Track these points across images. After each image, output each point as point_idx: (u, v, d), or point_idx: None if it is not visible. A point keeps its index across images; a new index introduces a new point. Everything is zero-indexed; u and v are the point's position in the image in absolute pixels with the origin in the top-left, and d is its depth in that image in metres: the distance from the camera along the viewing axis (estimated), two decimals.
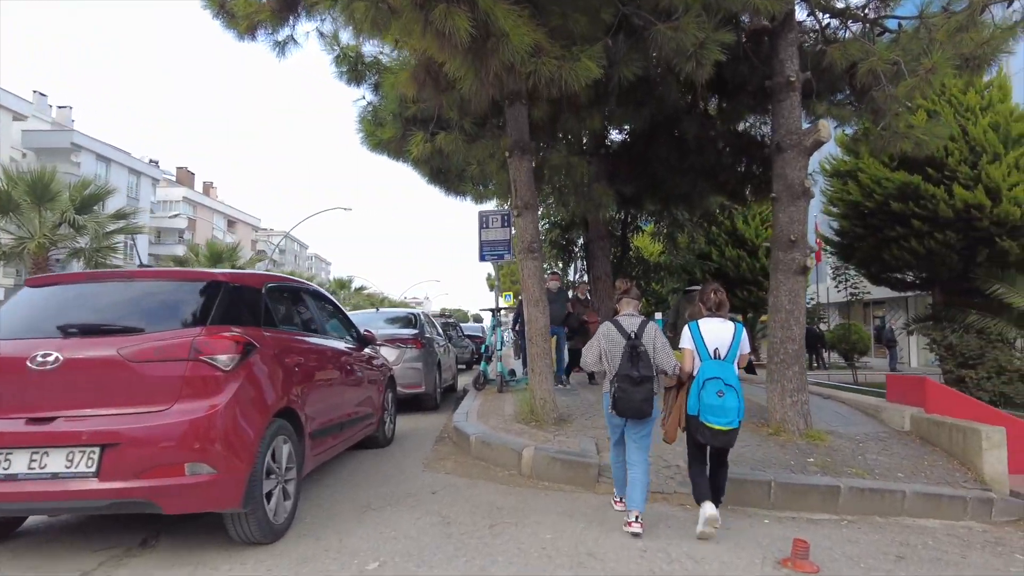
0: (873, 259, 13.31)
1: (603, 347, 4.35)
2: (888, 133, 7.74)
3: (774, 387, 6.71)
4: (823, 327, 25.29)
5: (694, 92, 8.71)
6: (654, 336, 4.31)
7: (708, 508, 4.07)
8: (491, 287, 54.99)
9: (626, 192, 13.00)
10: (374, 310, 10.05)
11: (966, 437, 5.93)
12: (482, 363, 12.22)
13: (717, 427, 4.02)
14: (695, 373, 4.18)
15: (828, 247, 15.72)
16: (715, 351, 4.14)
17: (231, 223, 74.39)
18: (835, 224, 15.29)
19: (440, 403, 9.44)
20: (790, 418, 6.54)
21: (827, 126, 6.71)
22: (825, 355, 24.22)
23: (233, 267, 26.81)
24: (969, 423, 6.03)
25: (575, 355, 10.12)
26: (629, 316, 4.46)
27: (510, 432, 6.12)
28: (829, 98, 8.18)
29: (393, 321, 9.52)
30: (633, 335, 4.26)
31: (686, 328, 4.35)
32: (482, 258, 9.42)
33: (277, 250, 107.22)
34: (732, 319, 4.40)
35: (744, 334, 4.32)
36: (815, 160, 10.81)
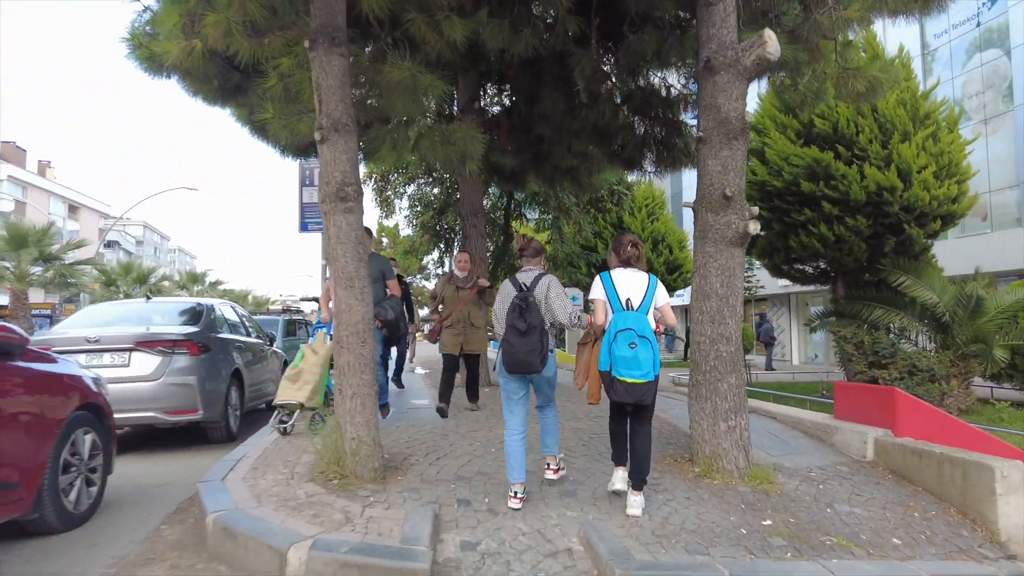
0: (777, 248, 11.96)
1: (497, 308, 4.11)
2: (837, 69, 6.01)
3: (702, 407, 4.68)
4: None
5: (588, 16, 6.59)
6: (548, 286, 4.01)
7: (620, 479, 3.93)
8: None
9: (506, 166, 10.86)
10: (144, 299, 7.07)
11: (967, 475, 4.14)
12: None
13: (630, 380, 3.67)
14: (607, 326, 3.86)
15: None
16: (627, 301, 3.85)
17: (73, 209, 65.53)
18: None
19: (243, 430, 6.71)
20: (726, 451, 4.52)
21: (773, 37, 4.72)
22: None
23: (42, 253, 22.04)
24: (971, 455, 4.24)
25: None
26: (527, 271, 4.16)
27: (287, 504, 3.57)
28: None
29: (169, 315, 6.63)
30: (525, 287, 3.99)
31: (596, 279, 4.05)
32: (303, 228, 6.83)
33: (134, 241, 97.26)
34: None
35: (660, 284, 4.00)
36: None
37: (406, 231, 17.55)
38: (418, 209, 16.48)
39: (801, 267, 12.88)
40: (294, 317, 15.33)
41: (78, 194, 64.95)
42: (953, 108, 11.42)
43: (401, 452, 4.83)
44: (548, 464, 4.26)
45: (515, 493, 3.83)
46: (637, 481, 3.80)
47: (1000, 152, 16.62)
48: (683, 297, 29.74)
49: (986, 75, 17.10)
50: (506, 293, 4.06)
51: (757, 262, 15.54)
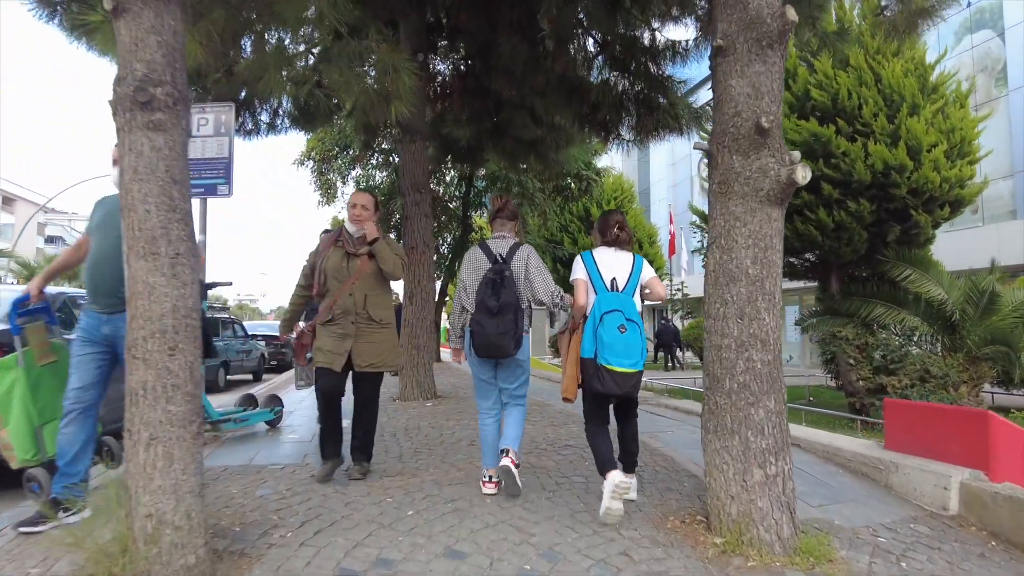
0: None
1: (465, 280, 3.55)
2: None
3: (725, 445, 3.12)
4: (677, 324, 23.28)
5: None
6: (527, 259, 3.54)
7: (615, 475, 3.17)
8: None
9: (461, 139, 9.25)
10: None
11: None
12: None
13: (620, 369, 3.21)
14: (588, 311, 3.36)
15: (700, 229, 12.89)
16: (612, 281, 3.40)
17: (7, 200, 61.55)
18: None
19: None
20: (762, 513, 2.97)
21: None
22: (680, 355, 22.15)
23: None
24: None
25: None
26: (500, 238, 3.65)
27: None
28: None
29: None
30: (500, 258, 3.50)
31: (578, 258, 3.52)
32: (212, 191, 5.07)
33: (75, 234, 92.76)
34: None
35: (645, 263, 3.59)
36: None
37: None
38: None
39: (793, 260, 11.51)
40: (218, 316, 13.39)
41: (13, 185, 60.83)
42: (960, 82, 10.20)
43: (262, 520, 3.12)
44: (506, 452, 3.52)
45: (489, 478, 3.62)
46: (631, 464, 3.57)
47: (992, 139, 15.65)
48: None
49: (977, 58, 16.14)
50: (476, 263, 3.57)
51: None
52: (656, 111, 7.27)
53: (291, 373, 14.27)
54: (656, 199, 30.29)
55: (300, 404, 7.41)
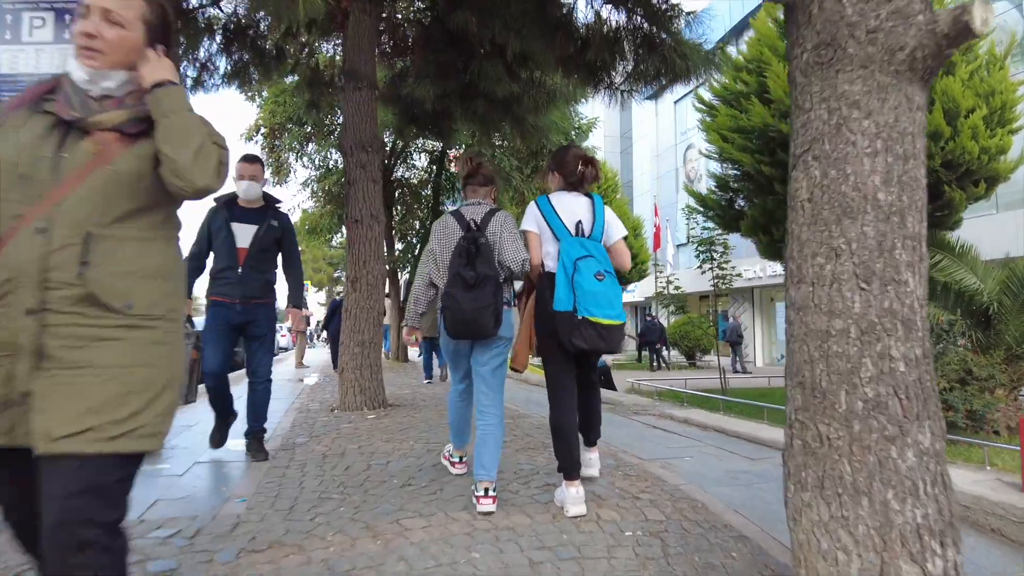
0: (780, 218, 9.17)
1: (433, 248, 3.15)
2: None
3: (834, 514, 1.67)
4: (663, 321, 21.99)
5: None
6: (502, 225, 3.05)
7: (576, 492, 2.79)
8: None
9: (423, 101, 7.84)
10: None
11: None
12: None
13: (606, 321, 2.76)
14: (547, 262, 2.96)
15: (701, 213, 11.52)
16: (578, 225, 2.94)
17: None
18: (714, 182, 11.10)
19: None
20: None
21: None
22: (666, 353, 20.84)
23: None
24: None
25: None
26: (474, 204, 3.19)
27: None
28: None
29: None
30: (475, 224, 3.04)
31: (531, 205, 3.05)
32: None
33: None
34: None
35: (608, 209, 3.08)
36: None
37: (307, 203, 14.19)
38: (320, 172, 13.14)
39: (781, 244, 10.18)
40: None
41: None
42: (995, 42, 8.94)
43: None
44: (486, 490, 2.86)
45: (460, 459, 3.45)
46: (594, 436, 3.29)
47: None
48: (633, 292, 27.22)
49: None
50: (448, 232, 3.13)
51: (719, 247, 12.81)
52: (657, 51, 5.84)
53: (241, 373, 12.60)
54: (639, 191, 29.03)
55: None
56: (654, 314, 21.28)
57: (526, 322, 3.07)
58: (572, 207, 2.99)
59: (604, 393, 7.36)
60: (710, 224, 12.50)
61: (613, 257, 3.00)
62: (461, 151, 14.53)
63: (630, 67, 6.06)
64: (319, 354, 19.38)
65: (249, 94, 13.09)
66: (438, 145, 15.57)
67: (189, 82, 8.25)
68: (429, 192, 15.34)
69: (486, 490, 2.84)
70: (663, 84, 6.18)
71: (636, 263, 20.49)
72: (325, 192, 12.89)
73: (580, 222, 2.94)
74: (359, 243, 6.23)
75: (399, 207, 15.23)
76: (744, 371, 20.06)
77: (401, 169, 15.79)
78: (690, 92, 25.85)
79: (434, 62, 7.72)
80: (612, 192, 21.12)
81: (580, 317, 2.75)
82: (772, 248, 9.57)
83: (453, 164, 16.21)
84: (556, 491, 2.96)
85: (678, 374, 18.00)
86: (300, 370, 13.83)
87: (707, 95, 10.95)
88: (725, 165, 10.08)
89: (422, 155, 16.33)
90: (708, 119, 10.88)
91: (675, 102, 27.09)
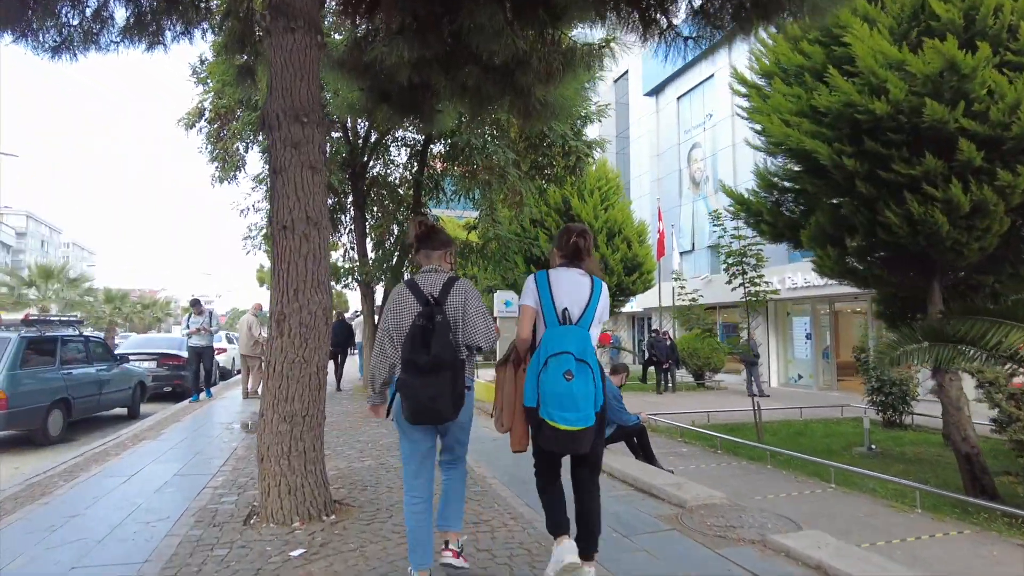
0: (857, 225, 6.98)
1: (389, 324, 3.01)
2: None
3: None
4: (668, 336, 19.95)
5: None
6: (464, 299, 2.98)
7: (567, 546, 2.78)
8: (261, 282, 44.49)
9: (398, 73, 5.93)
10: None
11: None
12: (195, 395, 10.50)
13: (563, 427, 2.65)
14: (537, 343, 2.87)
15: (740, 216, 9.47)
16: (564, 312, 2.87)
17: None
18: (757, 181, 9.04)
19: None
20: None
21: None
22: (674, 373, 18.79)
23: None
24: None
25: None
26: (431, 272, 3.07)
27: None
28: None
29: None
30: (432, 299, 2.93)
31: (530, 279, 2.99)
32: None
33: (13, 233, 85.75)
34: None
35: (605, 291, 3.01)
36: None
37: (261, 203, 11.98)
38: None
39: (853, 261, 8.10)
40: (62, 334, 9.46)
41: None
42: None
43: None
44: (447, 544, 3.06)
45: (452, 544, 3.12)
46: (589, 548, 2.91)
47: None
48: (632, 303, 25.21)
49: None
50: (403, 306, 2.99)
51: (751, 258, 10.86)
52: None
53: (182, 406, 10.53)
54: (637, 194, 27.02)
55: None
56: (662, 328, 19.24)
57: (518, 404, 2.91)
58: (569, 288, 2.93)
59: (641, 473, 5.27)
60: (737, 229, 10.54)
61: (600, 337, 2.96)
62: (445, 147, 12.43)
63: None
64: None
65: (197, 74, 10.92)
66: (418, 138, 13.49)
67: (75, 37, 6.14)
68: (409, 191, 13.22)
69: (454, 542, 2.97)
70: (743, 22, 4.08)
71: (640, 272, 18.48)
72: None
73: (567, 308, 2.86)
74: (288, 261, 4.11)
75: (375, 208, 13.09)
76: (761, 393, 18.08)
77: (377, 166, 13.65)
78: (701, 83, 23.97)
79: (411, 13, 5.66)
80: (613, 194, 19.11)
81: (540, 417, 2.69)
82: (839, 264, 7.53)
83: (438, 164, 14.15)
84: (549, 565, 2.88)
85: (691, 399, 15.99)
86: (247, 402, 11.62)
87: (747, 75, 8.88)
88: (777, 161, 8.02)
89: (402, 150, 14.23)
90: (747, 104, 8.83)
91: (678, 98, 25.15)
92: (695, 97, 24.36)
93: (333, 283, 13.88)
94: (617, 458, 6.13)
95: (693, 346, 18.89)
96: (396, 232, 13.31)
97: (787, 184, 8.20)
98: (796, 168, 7.69)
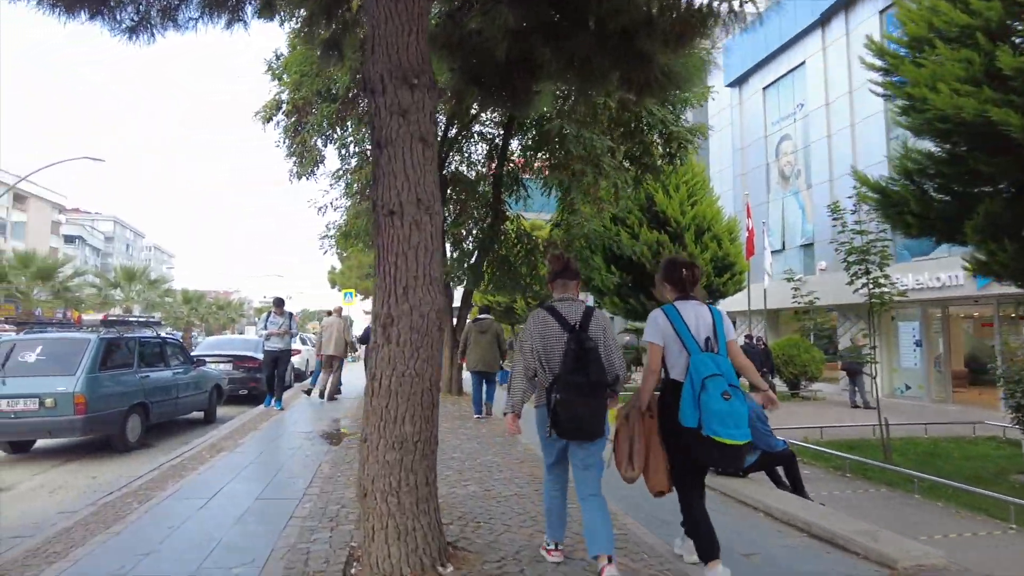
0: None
1: (536, 346, 3.23)
2: None
3: None
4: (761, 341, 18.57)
5: None
6: (604, 329, 3.25)
7: (720, 571, 2.97)
8: (333, 283, 44.85)
9: (493, 43, 5.14)
10: None
11: None
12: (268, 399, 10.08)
13: (729, 442, 2.87)
14: (673, 372, 3.10)
15: (875, 208, 8.25)
16: (706, 341, 3.07)
17: (20, 199, 59.01)
18: (897, 168, 7.81)
19: None
20: None
21: None
22: (772, 381, 17.42)
23: None
24: None
25: None
26: (568, 301, 3.32)
27: None
28: None
29: None
30: (577, 326, 3.17)
31: (656, 315, 3.18)
32: None
33: (102, 238, 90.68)
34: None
35: (725, 318, 3.24)
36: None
37: (340, 200, 11.47)
38: (354, 160, 10.40)
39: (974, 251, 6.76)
40: (140, 335, 9.15)
41: (28, 183, 58.12)
42: None
43: None
44: (606, 561, 3.03)
45: (555, 545, 3.43)
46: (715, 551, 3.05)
47: None
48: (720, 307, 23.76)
49: None
50: (549, 331, 3.22)
51: (876, 255, 9.59)
52: None
53: (258, 411, 10.11)
54: (719, 191, 25.54)
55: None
56: (753, 334, 17.89)
57: (655, 440, 3.12)
58: (697, 319, 3.12)
59: (815, 517, 4.26)
60: (858, 223, 9.33)
61: (733, 359, 3.12)
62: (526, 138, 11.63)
63: None
64: (354, 371, 16.67)
65: (272, 69, 10.52)
66: (497, 132, 12.76)
67: (154, 15, 5.66)
68: (488, 188, 12.48)
69: (609, 560, 3.01)
70: None
71: (732, 273, 17.16)
72: (363, 186, 10.14)
73: (709, 337, 3.06)
74: (396, 254, 3.36)
75: (451, 206, 12.42)
76: (867, 405, 16.52)
77: (454, 162, 12.99)
78: (790, 72, 22.37)
79: None
80: (700, 190, 17.86)
81: (704, 435, 2.87)
82: (1019, 260, 6.27)
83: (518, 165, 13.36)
84: None
85: (790, 411, 14.63)
86: (328, 404, 11.17)
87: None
88: (919, 143, 6.79)
89: (479, 145, 13.53)
90: (881, 78, 7.63)
91: (764, 88, 23.62)
92: (783, 87, 22.80)
93: None
94: (759, 488, 5.15)
95: (789, 353, 17.47)
96: (475, 230, 12.63)
97: (942, 169, 6.97)
98: (962, 148, 6.46)
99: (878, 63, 7.73)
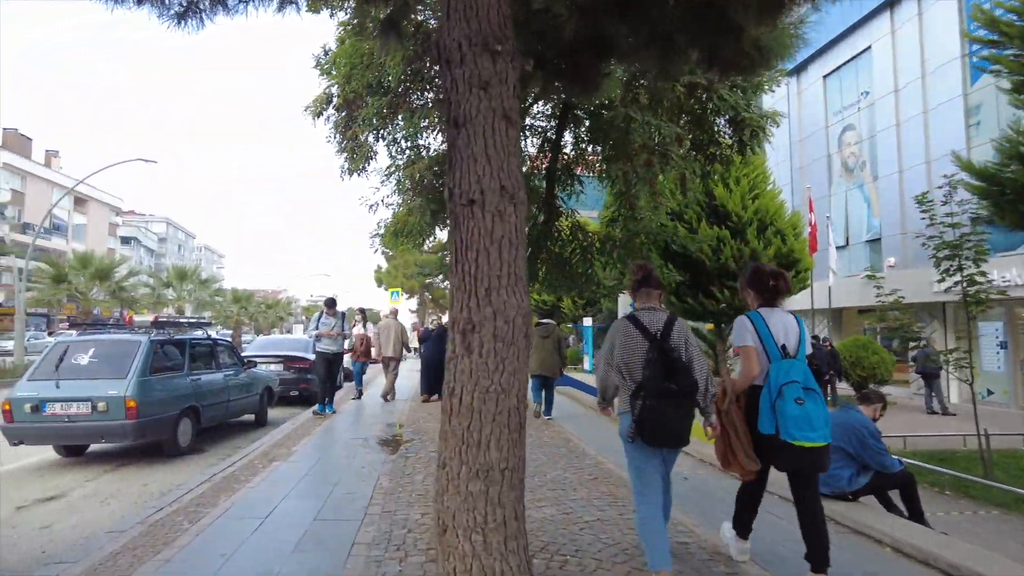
0: None
1: (623, 357, 3.21)
2: None
3: None
4: (826, 342, 17.61)
5: None
6: (686, 337, 3.28)
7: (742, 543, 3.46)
8: (379, 282, 44.92)
9: (562, 20, 4.56)
10: None
11: None
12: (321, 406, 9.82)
13: (807, 444, 2.97)
14: (758, 380, 3.21)
15: (985, 205, 7.44)
16: (784, 348, 3.20)
17: (80, 201, 61.24)
18: (999, 152, 7.01)
19: None
20: None
21: None
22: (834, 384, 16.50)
23: None
24: None
25: None
26: (649, 310, 3.34)
27: None
28: None
29: None
30: (658, 335, 3.19)
31: (744, 320, 3.30)
32: None
33: (156, 239, 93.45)
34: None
35: (805, 328, 3.36)
36: None
37: (391, 197, 11.14)
38: (405, 155, 10.03)
39: None
40: (191, 337, 8.95)
41: (86, 186, 60.02)
42: None
43: None
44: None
45: None
46: (822, 559, 3.09)
47: None
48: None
49: None
50: (632, 340, 3.22)
51: (970, 249, 8.82)
52: None
53: (309, 416, 9.82)
54: (777, 183, 24.48)
55: None
56: (819, 335, 16.94)
57: (742, 427, 3.24)
58: (780, 326, 3.26)
59: (947, 552, 3.61)
60: (950, 216, 8.53)
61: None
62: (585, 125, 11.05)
63: None
64: (408, 373, 16.39)
65: (320, 65, 10.23)
66: (549, 125, 12.22)
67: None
68: (541, 183, 11.95)
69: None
70: None
71: (796, 270, 16.23)
72: (415, 182, 9.74)
73: (786, 345, 3.20)
74: (477, 250, 2.89)
75: None
76: (944, 411, 15.44)
77: None
78: (854, 59, 21.20)
79: None
80: (762, 183, 16.96)
81: (782, 440, 3.00)
82: None
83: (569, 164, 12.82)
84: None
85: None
86: (387, 405, 10.94)
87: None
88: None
89: (530, 139, 13.01)
90: (997, 52, 6.83)
91: (824, 76, 22.46)
92: (845, 74, 21.61)
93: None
94: (871, 512, 4.51)
95: (856, 354, 16.47)
96: (527, 229, 12.11)
97: None
98: None
99: (987, 36, 6.93)
